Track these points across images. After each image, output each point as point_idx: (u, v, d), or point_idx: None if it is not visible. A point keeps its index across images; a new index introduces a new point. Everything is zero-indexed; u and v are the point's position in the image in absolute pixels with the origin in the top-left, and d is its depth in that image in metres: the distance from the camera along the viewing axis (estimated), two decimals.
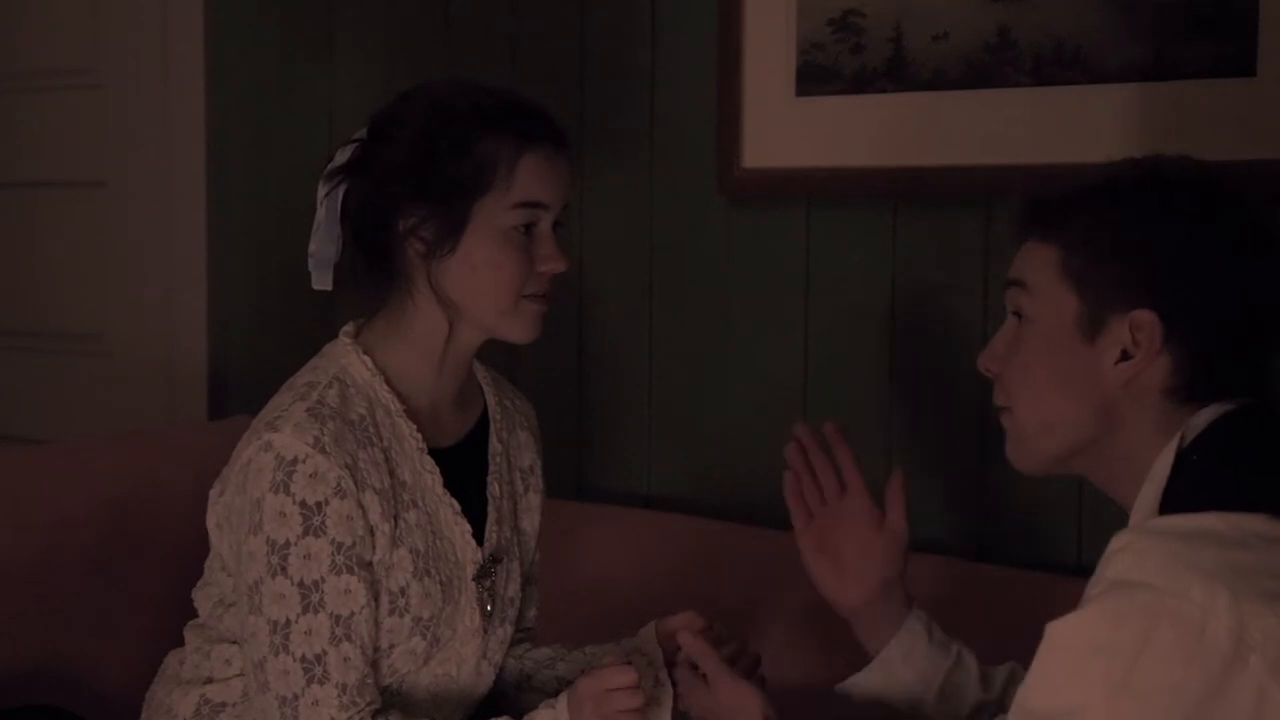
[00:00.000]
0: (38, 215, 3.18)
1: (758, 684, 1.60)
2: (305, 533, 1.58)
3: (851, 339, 2.21)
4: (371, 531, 1.62)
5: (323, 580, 1.58)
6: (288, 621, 1.58)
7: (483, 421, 1.80)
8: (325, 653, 1.58)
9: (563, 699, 1.59)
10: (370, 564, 1.63)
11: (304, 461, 1.58)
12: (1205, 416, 1.33)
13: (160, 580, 2.22)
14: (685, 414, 2.38)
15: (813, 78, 2.19)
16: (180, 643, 1.80)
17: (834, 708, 1.67)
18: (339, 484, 1.59)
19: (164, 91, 2.95)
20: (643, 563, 2.22)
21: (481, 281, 1.64)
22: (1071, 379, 1.37)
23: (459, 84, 1.70)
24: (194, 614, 1.79)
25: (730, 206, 2.30)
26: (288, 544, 1.58)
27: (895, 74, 2.12)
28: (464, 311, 1.67)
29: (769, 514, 2.28)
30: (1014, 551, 2.08)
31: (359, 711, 1.60)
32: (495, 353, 1.88)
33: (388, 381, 1.69)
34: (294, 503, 1.58)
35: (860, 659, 1.66)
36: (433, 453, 1.70)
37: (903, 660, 1.62)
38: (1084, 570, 1.34)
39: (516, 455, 1.85)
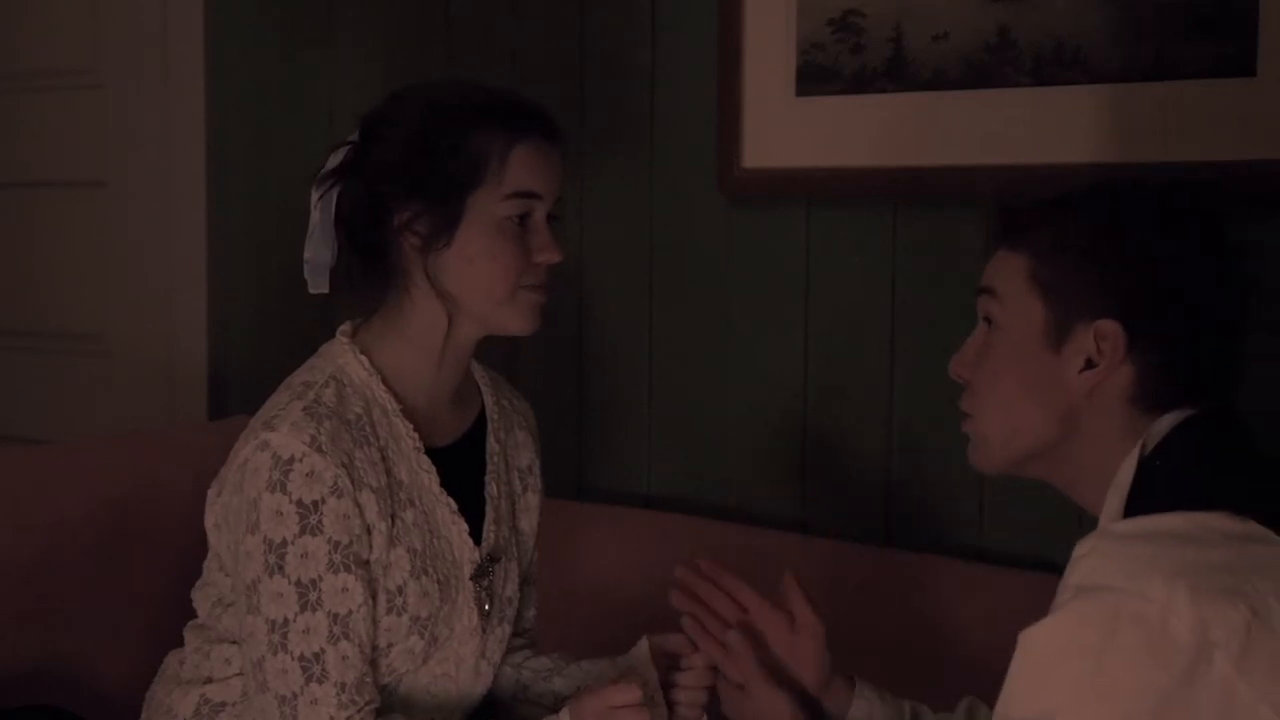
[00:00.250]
0: (38, 215, 3.18)
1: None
2: (302, 531, 1.58)
3: (851, 339, 2.21)
4: (369, 530, 1.63)
5: (320, 579, 1.59)
6: (286, 620, 1.58)
7: (480, 421, 1.81)
8: (323, 651, 1.59)
9: (565, 715, 1.60)
10: (367, 562, 1.63)
11: (300, 460, 1.59)
12: (1166, 423, 1.36)
13: (160, 580, 2.22)
14: (685, 414, 2.38)
15: (813, 78, 2.19)
16: (180, 643, 1.80)
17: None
18: (336, 482, 1.59)
19: (164, 91, 2.95)
20: (642, 563, 2.22)
21: (478, 273, 1.65)
22: (1037, 386, 1.40)
23: (449, 82, 1.74)
24: (194, 614, 1.79)
25: (730, 206, 2.30)
26: (285, 543, 1.58)
27: (895, 74, 2.12)
28: (462, 304, 1.67)
29: (769, 514, 2.28)
30: (1016, 550, 2.08)
31: (358, 710, 1.60)
32: (494, 354, 1.88)
33: (384, 381, 1.69)
34: (291, 501, 1.58)
35: (853, 660, 1.68)
36: (429, 452, 1.71)
37: None
38: None
39: (514, 455, 1.85)
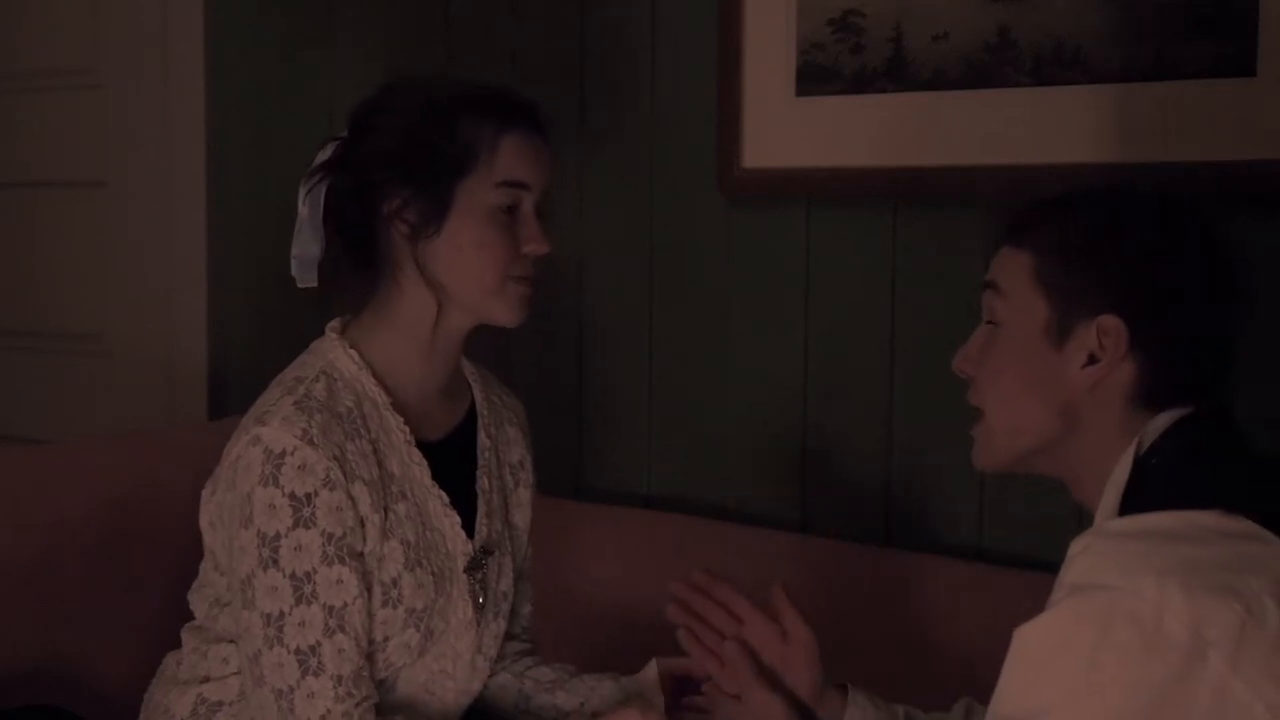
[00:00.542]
0: (38, 215, 3.18)
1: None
2: (295, 524, 1.58)
3: (851, 339, 2.21)
4: (362, 523, 1.63)
5: (314, 571, 1.59)
6: (281, 614, 1.58)
7: (470, 416, 1.81)
8: (319, 644, 1.59)
9: None
10: (361, 555, 1.63)
11: (292, 454, 1.59)
12: (1162, 421, 1.36)
13: (160, 581, 2.22)
14: (684, 414, 2.38)
15: (813, 78, 2.19)
16: (180, 644, 1.80)
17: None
18: (328, 475, 1.59)
19: (164, 91, 2.95)
20: (641, 562, 2.22)
21: (468, 261, 1.66)
22: (1039, 383, 1.40)
23: (438, 75, 1.75)
24: (193, 615, 1.79)
25: (730, 206, 2.30)
26: (278, 536, 1.58)
27: (895, 74, 2.12)
28: (451, 293, 1.68)
29: (768, 514, 2.28)
30: (1016, 550, 2.08)
31: (355, 703, 1.60)
32: (493, 353, 1.88)
33: (374, 375, 1.70)
34: (283, 495, 1.58)
35: (853, 660, 1.67)
36: (420, 446, 1.71)
37: None
38: None
39: (505, 450, 1.85)
